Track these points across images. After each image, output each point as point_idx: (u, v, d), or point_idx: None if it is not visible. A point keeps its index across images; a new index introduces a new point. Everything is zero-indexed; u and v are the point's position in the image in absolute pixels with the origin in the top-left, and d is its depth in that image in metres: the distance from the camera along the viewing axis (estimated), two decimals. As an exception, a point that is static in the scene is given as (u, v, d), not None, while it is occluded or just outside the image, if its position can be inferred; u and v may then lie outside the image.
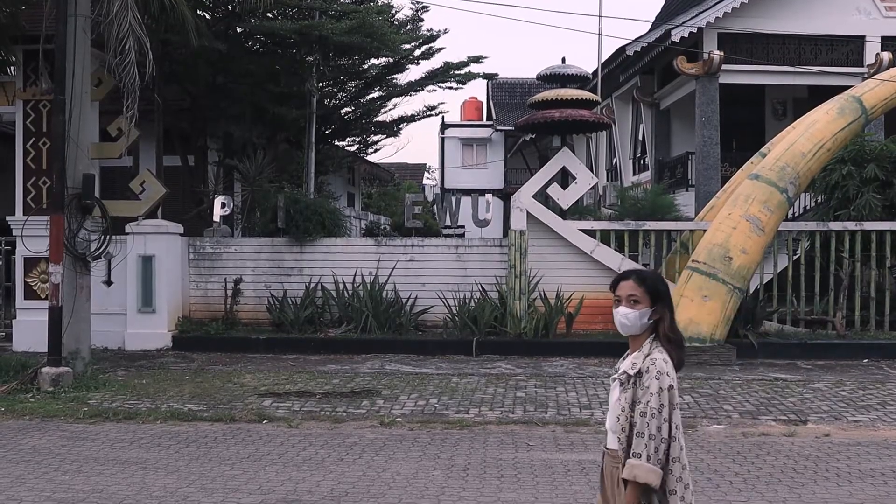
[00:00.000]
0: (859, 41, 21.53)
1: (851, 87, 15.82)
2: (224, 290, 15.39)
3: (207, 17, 18.78)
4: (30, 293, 14.60)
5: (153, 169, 16.43)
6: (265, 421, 9.49)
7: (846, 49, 21.74)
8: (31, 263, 14.48)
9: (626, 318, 3.58)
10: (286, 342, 14.49)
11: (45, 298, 12.43)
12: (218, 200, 16.49)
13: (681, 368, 3.61)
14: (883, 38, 21.32)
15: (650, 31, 24.22)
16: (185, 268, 15.66)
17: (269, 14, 19.84)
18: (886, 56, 20.54)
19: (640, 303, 3.57)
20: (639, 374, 3.49)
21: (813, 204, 18.76)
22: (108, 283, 14.17)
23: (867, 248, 14.89)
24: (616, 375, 3.62)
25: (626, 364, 3.58)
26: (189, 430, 9.09)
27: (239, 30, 19.34)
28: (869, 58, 21.25)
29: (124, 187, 14.46)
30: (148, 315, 14.88)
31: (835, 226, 15.19)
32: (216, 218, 16.26)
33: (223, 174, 20.33)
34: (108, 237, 12.34)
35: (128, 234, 14.65)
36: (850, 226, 15.05)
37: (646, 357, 3.53)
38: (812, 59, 21.52)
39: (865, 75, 19.59)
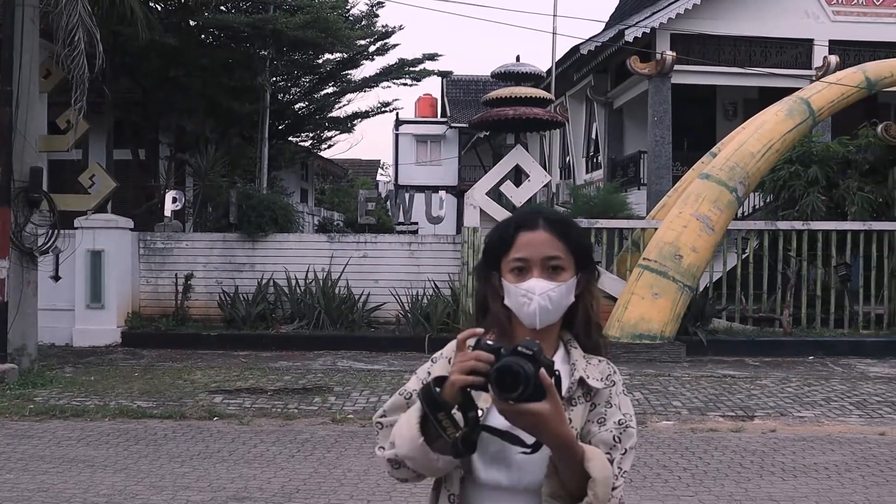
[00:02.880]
0: (808, 44, 21.88)
1: (800, 89, 16.06)
2: (175, 285, 15.25)
3: (159, 8, 18.61)
4: (-25, 288, 14.35)
5: (103, 162, 16.23)
6: (216, 418, 9.43)
7: (795, 52, 22.07)
8: (-24, 258, 14.22)
9: (550, 299, 2.13)
10: (238, 338, 14.40)
11: (-9, 293, 12.24)
12: (169, 195, 16.32)
13: None
14: (830, 41, 21.68)
15: (604, 30, 24.41)
16: (136, 263, 15.49)
17: (222, 7, 19.72)
18: (834, 59, 20.87)
19: (564, 270, 2.16)
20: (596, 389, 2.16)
21: (762, 204, 19.02)
22: (56, 278, 13.97)
23: (813, 248, 15.13)
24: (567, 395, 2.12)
25: (593, 377, 2.16)
26: (138, 428, 9.00)
27: (192, 23, 19.18)
28: (817, 61, 21.59)
29: (73, 181, 14.26)
30: (97, 311, 14.70)
31: (783, 225, 15.41)
32: (167, 213, 16.09)
33: (175, 168, 20.15)
34: (56, 231, 12.18)
35: (76, 228, 14.45)
36: (798, 225, 15.28)
37: (587, 362, 2.21)
38: (762, 61, 21.82)
39: (813, 78, 19.90)
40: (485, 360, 1.92)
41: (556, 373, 1.94)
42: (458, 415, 1.96)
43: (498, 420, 1.98)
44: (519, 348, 1.90)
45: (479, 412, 1.99)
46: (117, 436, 8.64)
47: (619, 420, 2.12)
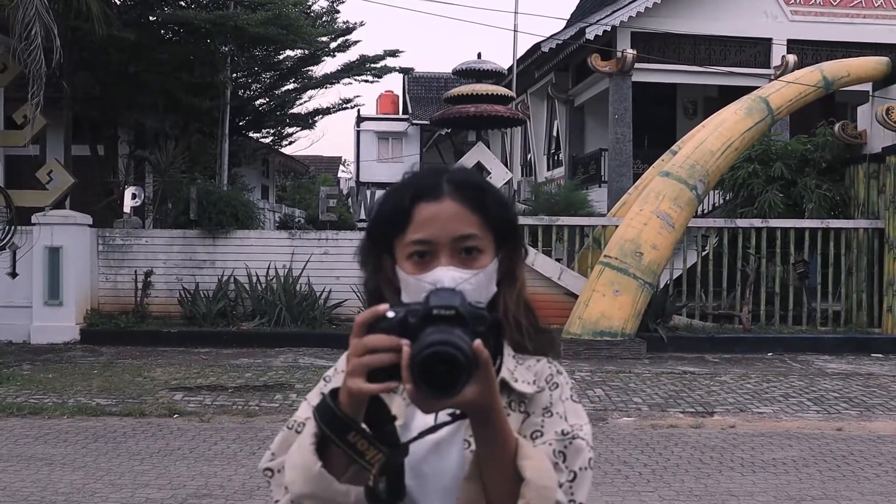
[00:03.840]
0: (766, 43, 22.11)
1: (759, 87, 16.22)
2: (134, 282, 15.10)
3: (118, 2, 18.41)
4: (-70, 285, 14.14)
5: (61, 158, 16.05)
6: (176, 415, 9.35)
7: (754, 51, 22.30)
8: (-69, 254, 14.01)
9: (465, 294, 1.41)
10: (198, 335, 14.29)
11: (-54, 290, 12.06)
12: (128, 191, 16.19)
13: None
14: (789, 41, 21.93)
15: (565, 28, 24.48)
16: (95, 260, 15.32)
17: (181, 3, 19.56)
18: (792, 58, 21.09)
19: (482, 252, 1.60)
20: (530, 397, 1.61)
21: (721, 201, 19.19)
22: (13, 274, 13.82)
23: (772, 245, 15.29)
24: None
25: (521, 380, 1.61)
26: (97, 425, 8.91)
27: (151, 18, 19.00)
28: (775, 60, 21.81)
29: (31, 177, 14.11)
30: (55, 308, 14.52)
31: (742, 223, 15.57)
32: (126, 209, 15.95)
33: (134, 164, 19.98)
34: (13, 228, 12.05)
35: (34, 224, 14.25)
36: (757, 223, 15.44)
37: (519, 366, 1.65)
38: (721, 60, 22.01)
39: (772, 77, 20.09)
40: (388, 347, 1.35)
41: (494, 319, 1.40)
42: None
43: (418, 420, 1.52)
44: (434, 311, 1.34)
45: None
46: (76, 434, 8.54)
47: (564, 430, 1.54)
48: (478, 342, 1.31)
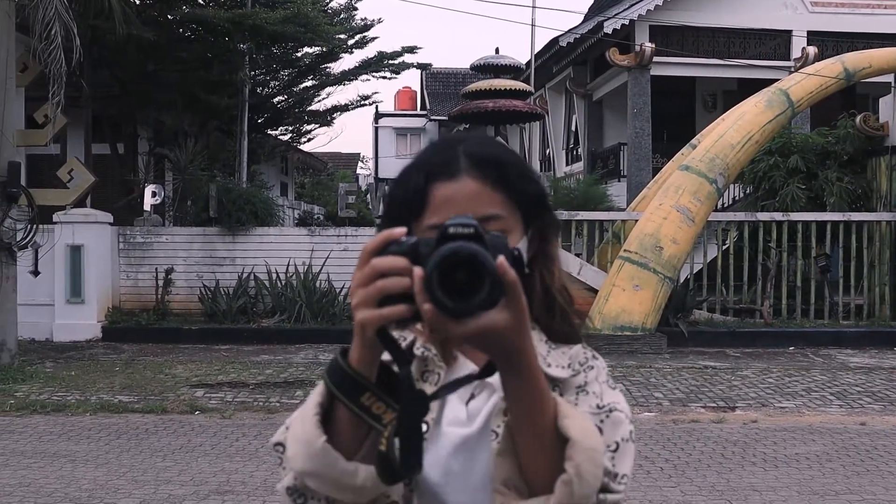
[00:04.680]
0: (786, 35, 21.97)
1: (779, 80, 16.12)
2: (155, 280, 15.18)
3: (137, 2, 18.48)
4: (-47, 284, 14.23)
5: (81, 157, 16.13)
6: (197, 412, 9.40)
7: (774, 43, 22.16)
8: (-46, 253, 14.10)
9: None
10: (219, 332, 14.35)
11: (-30, 289, 12.13)
12: (148, 189, 16.25)
13: None
14: (809, 32, 21.79)
15: (583, 22, 24.43)
16: (115, 258, 15.41)
17: (200, 1, 19.63)
18: (812, 50, 20.96)
19: (508, 232, 1.39)
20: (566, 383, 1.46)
21: (742, 195, 19.10)
22: (36, 273, 13.87)
23: (793, 239, 15.20)
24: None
25: (555, 364, 1.45)
26: (119, 422, 8.96)
27: (170, 17, 19.07)
28: (795, 52, 21.68)
29: (52, 175, 14.17)
30: (77, 306, 14.62)
31: (762, 216, 15.49)
32: (147, 207, 16.02)
33: (154, 162, 20.05)
34: (35, 226, 12.09)
35: (55, 223, 14.35)
36: (777, 216, 15.35)
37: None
38: (741, 53, 21.90)
39: (792, 69, 19.97)
40: (400, 269, 1.20)
41: (516, 252, 1.23)
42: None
43: (448, 413, 1.44)
44: (450, 230, 1.17)
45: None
46: (99, 430, 8.60)
47: (598, 405, 1.40)
48: (502, 259, 1.15)
